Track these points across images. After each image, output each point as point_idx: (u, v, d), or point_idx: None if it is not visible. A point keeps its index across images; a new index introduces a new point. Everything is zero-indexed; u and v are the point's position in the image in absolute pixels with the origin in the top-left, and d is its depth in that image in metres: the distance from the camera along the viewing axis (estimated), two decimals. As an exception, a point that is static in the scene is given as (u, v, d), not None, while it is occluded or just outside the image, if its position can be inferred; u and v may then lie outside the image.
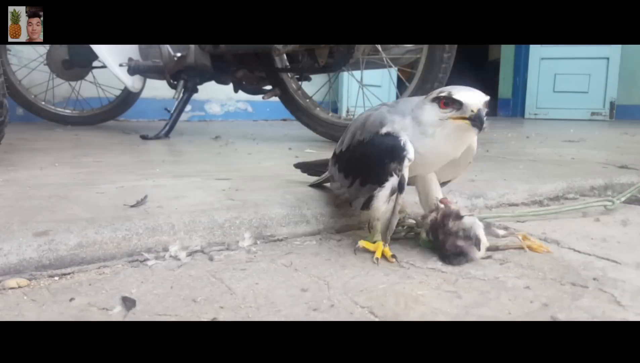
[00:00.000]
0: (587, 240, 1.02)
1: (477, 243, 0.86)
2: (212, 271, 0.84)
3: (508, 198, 1.34)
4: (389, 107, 0.93)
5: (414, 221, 1.02)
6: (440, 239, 0.89)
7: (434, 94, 0.85)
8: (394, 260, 0.88)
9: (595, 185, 1.50)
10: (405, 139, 0.86)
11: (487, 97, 0.83)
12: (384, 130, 0.89)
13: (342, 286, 0.77)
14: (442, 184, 1.04)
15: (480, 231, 0.87)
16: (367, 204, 0.90)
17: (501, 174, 1.58)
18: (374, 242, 0.92)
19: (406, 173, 0.86)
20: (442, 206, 0.93)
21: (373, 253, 0.90)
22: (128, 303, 0.70)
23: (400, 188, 0.86)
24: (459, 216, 0.88)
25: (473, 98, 0.81)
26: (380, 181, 0.87)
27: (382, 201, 0.88)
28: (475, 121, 0.81)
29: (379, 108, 0.95)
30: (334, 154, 1.06)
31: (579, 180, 1.50)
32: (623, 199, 1.28)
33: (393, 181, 0.87)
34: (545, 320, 0.66)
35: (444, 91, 0.83)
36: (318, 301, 0.72)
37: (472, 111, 0.81)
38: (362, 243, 0.92)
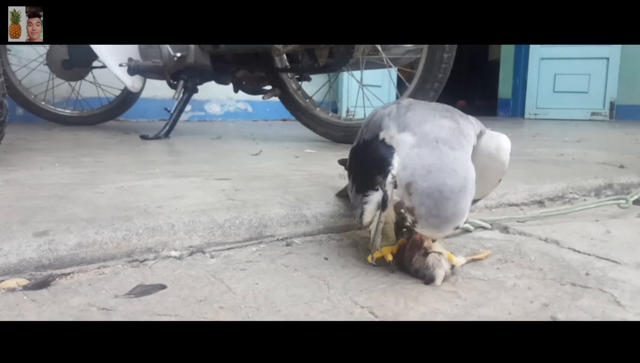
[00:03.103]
0: (587, 240, 1.02)
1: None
2: (212, 271, 0.84)
3: (508, 198, 1.34)
4: (397, 109, 0.83)
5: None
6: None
7: (406, 202, 0.72)
8: (392, 269, 0.83)
9: (596, 185, 1.50)
10: (394, 151, 0.77)
11: (452, 230, 0.72)
12: (381, 135, 0.81)
13: (342, 286, 0.77)
14: (473, 202, 0.96)
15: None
16: (360, 217, 0.83)
17: (501, 174, 1.58)
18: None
19: (390, 189, 0.76)
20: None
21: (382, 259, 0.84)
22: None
23: (383, 205, 0.77)
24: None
25: (430, 235, 0.75)
26: (367, 194, 0.80)
27: (369, 216, 0.80)
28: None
29: (388, 106, 0.86)
30: (351, 149, 0.98)
31: (579, 180, 1.50)
32: (637, 197, 1.27)
33: (377, 196, 0.78)
34: (545, 320, 0.66)
35: (413, 213, 0.71)
36: (318, 301, 0.72)
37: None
38: (370, 258, 0.85)
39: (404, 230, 0.99)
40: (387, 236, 0.90)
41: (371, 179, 0.79)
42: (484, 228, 1.09)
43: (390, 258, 0.84)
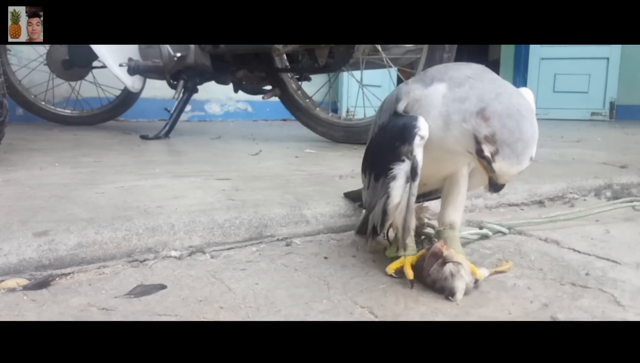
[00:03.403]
0: (587, 240, 1.02)
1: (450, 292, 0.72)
2: (212, 271, 0.84)
3: (508, 198, 1.34)
4: (413, 78, 0.76)
5: (432, 231, 0.91)
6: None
7: (483, 131, 0.63)
8: (411, 285, 0.75)
9: (595, 185, 1.50)
10: (417, 116, 0.70)
11: (528, 164, 0.64)
12: (399, 106, 0.73)
13: (342, 286, 0.77)
14: (499, 186, 0.86)
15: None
16: (385, 203, 0.72)
17: (501, 174, 1.58)
18: (398, 257, 0.81)
19: (419, 153, 0.69)
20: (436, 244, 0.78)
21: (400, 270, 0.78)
22: None
23: (413, 174, 0.69)
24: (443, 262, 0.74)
25: (510, 173, 0.64)
26: (391, 170, 0.71)
27: (398, 192, 0.71)
28: (494, 187, 0.67)
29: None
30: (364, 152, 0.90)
31: (579, 180, 1.50)
32: None
33: (405, 166, 0.70)
34: (545, 320, 0.66)
35: (494, 140, 0.62)
36: (318, 301, 0.72)
37: (497, 180, 0.66)
38: (390, 269, 0.79)
39: (423, 237, 0.94)
40: (408, 246, 0.81)
41: (394, 153, 0.70)
42: (502, 233, 1.05)
43: (411, 275, 0.75)
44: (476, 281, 0.75)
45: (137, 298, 0.73)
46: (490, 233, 1.04)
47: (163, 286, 0.77)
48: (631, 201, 1.23)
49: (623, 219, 1.19)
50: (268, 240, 1.01)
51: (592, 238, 1.03)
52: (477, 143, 0.64)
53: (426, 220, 0.95)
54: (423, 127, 0.68)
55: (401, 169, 0.70)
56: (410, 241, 0.81)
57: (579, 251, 0.94)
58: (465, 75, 0.68)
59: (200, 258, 0.91)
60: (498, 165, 0.63)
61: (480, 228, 1.05)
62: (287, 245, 0.99)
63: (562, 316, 0.67)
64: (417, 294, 0.74)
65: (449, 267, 0.73)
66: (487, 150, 0.63)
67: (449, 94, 0.67)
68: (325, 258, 0.91)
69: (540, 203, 1.37)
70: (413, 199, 0.71)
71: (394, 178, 0.71)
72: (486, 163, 0.64)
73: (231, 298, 0.73)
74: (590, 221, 1.16)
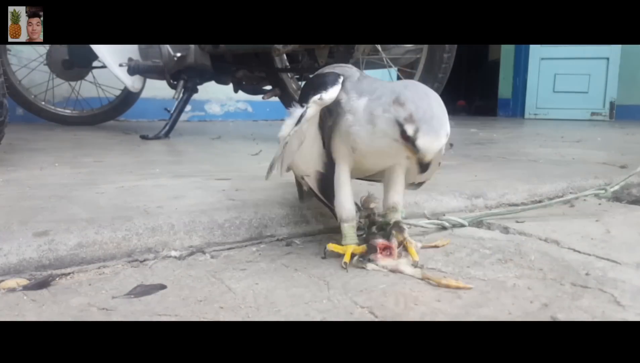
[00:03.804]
0: (587, 240, 1.02)
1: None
2: (212, 271, 0.84)
3: (508, 198, 1.34)
4: (353, 81, 0.83)
5: (381, 219, 0.97)
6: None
7: (402, 114, 0.71)
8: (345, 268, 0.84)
9: (595, 185, 1.50)
10: (339, 84, 0.80)
11: (445, 141, 0.72)
12: (341, 92, 0.81)
13: (342, 286, 0.77)
14: (418, 184, 1.00)
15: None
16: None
17: (501, 174, 1.58)
18: (344, 245, 0.89)
19: (312, 109, 0.79)
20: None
21: (343, 256, 0.86)
22: None
23: (297, 121, 0.79)
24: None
25: (432, 148, 0.71)
26: (294, 109, 0.82)
27: (286, 129, 0.80)
28: (422, 167, 0.75)
29: (347, 68, 0.88)
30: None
31: (579, 180, 1.50)
32: (617, 187, 1.27)
33: (299, 111, 0.80)
34: (545, 320, 0.66)
35: (413, 119, 0.70)
36: (318, 301, 0.72)
37: (423, 158, 0.73)
38: (330, 246, 0.88)
39: (375, 231, 0.96)
40: (346, 236, 0.90)
41: (306, 98, 0.81)
42: (462, 225, 1.09)
43: (348, 259, 0.84)
44: (417, 263, 0.83)
45: (137, 298, 0.73)
46: (449, 225, 1.08)
47: (163, 286, 0.77)
48: (597, 190, 1.27)
49: (623, 219, 1.19)
50: (268, 240, 1.01)
51: (592, 238, 1.03)
52: (400, 125, 0.72)
53: (376, 210, 0.99)
54: (330, 92, 0.79)
55: (297, 112, 0.80)
56: (351, 230, 0.90)
57: (579, 251, 0.94)
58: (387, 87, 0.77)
59: (200, 258, 0.91)
60: (421, 141, 0.71)
61: (440, 219, 1.09)
62: (287, 245, 0.99)
63: (562, 317, 0.67)
64: (417, 294, 0.74)
65: (370, 266, 0.84)
66: (409, 130, 0.71)
67: (369, 103, 0.77)
68: (325, 258, 0.91)
69: (540, 202, 1.37)
70: (292, 140, 0.81)
71: (289, 115, 0.81)
72: (410, 144, 0.72)
73: (231, 298, 0.73)
74: (591, 221, 1.16)
